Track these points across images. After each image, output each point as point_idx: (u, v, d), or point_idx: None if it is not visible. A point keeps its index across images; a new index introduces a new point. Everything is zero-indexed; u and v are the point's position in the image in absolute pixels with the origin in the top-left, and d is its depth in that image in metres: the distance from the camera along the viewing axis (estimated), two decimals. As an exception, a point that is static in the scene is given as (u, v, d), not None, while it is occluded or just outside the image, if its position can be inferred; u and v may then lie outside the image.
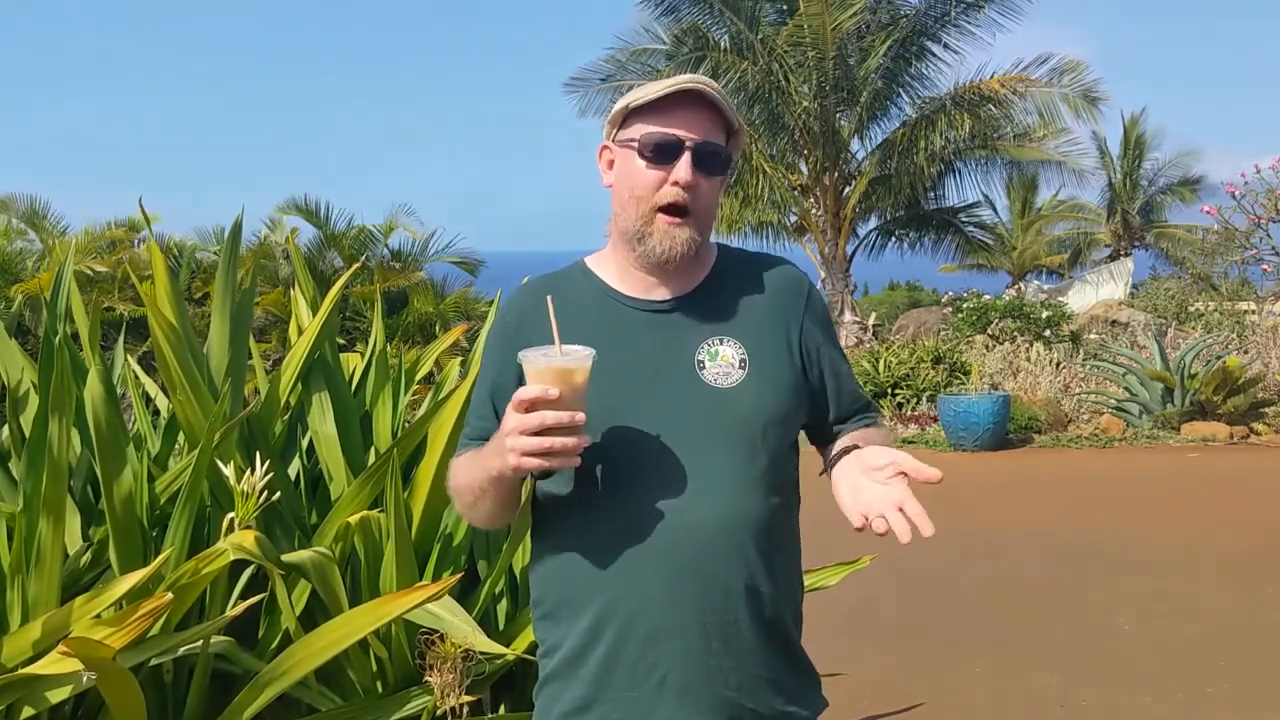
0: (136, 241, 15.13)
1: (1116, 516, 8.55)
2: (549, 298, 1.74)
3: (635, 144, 1.78)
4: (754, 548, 1.76)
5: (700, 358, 1.80)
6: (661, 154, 1.76)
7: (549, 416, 1.58)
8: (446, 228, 17.18)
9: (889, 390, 13.80)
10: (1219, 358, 12.42)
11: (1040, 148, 20.98)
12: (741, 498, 1.75)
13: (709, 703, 1.74)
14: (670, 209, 1.77)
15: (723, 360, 1.80)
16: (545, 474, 1.78)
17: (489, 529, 2.05)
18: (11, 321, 11.48)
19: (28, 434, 2.73)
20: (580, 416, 1.59)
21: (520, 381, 1.75)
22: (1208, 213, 18.02)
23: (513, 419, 1.61)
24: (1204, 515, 8.48)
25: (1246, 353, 13.38)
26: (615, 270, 1.87)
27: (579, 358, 1.64)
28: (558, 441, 1.59)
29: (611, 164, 1.85)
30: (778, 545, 1.81)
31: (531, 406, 1.60)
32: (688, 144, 1.75)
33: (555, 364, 1.63)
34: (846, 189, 20.08)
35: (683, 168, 1.75)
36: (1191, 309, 17.66)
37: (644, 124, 1.78)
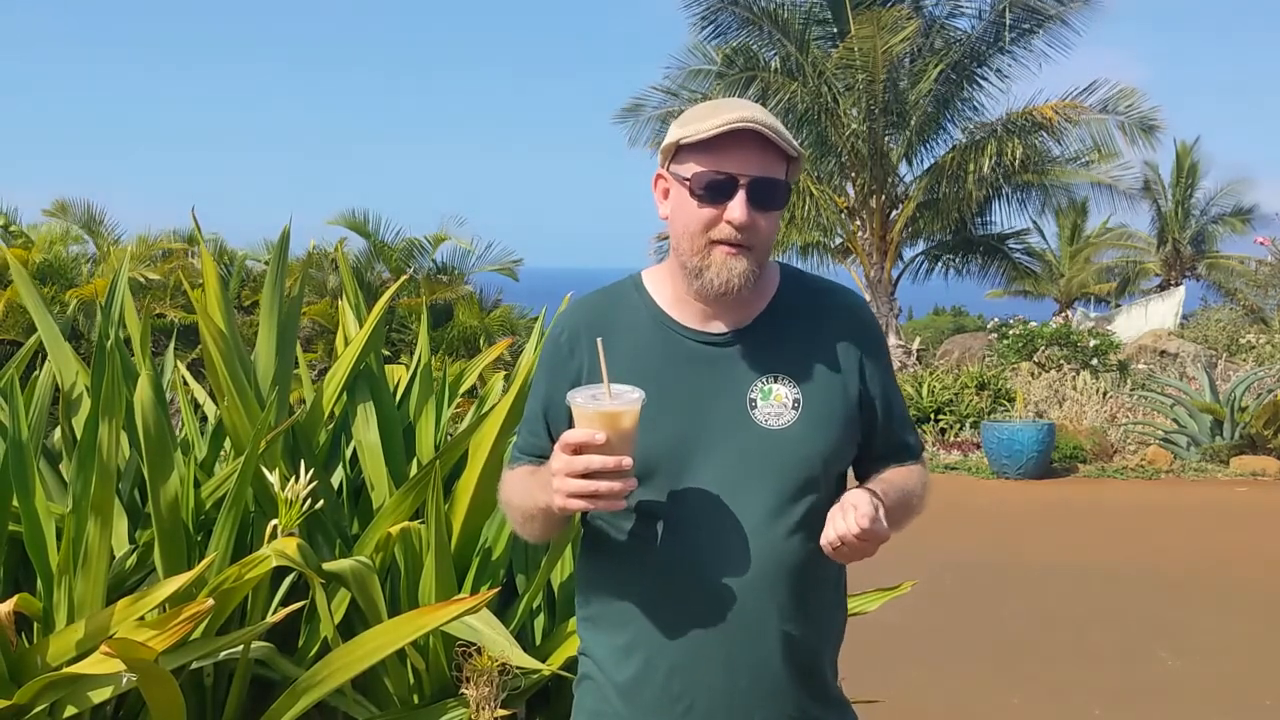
0: (189, 252, 15.34)
1: (1162, 549, 8.42)
2: (599, 340, 1.71)
3: (688, 182, 1.73)
4: (788, 591, 1.74)
5: (752, 396, 1.77)
6: (715, 193, 1.71)
7: (594, 461, 1.58)
8: (493, 240, 17.20)
9: (932, 416, 13.69)
10: (1271, 391, 12.20)
11: (1091, 172, 20.76)
12: (779, 541, 1.72)
13: None
14: (727, 245, 1.72)
15: (775, 399, 1.76)
16: None
17: (537, 543, 2.07)
18: (66, 325, 11.67)
19: (79, 436, 2.78)
20: (626, 461, 1.58)
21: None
22: (1261, 244, 17.75)
23: (559, 460, 1.61)
24: (1252, 551, 8.33)
25: (1299, 386, 13.14)
26: (671, 294, 1.83)
27: (627, 401, 1.62)
28: (603, 485, 1.58)
29: (667, 193, 1.80)
30: (816, 586, 1.79)
31: (578, 449, 1.59)
32: (742, 182, 1.70)
33: (603, 408, 1.61)
34: (893, 212, 19.97)
35: (737, 206, 1.70)
36: (1242, 341, 17.37)
37: (696, 161, 1.72)
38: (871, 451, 1.88)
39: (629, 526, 1.77)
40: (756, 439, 1.75)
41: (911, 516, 1.88)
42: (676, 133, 1.75)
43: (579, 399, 1.64)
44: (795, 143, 1.75)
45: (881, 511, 1.65)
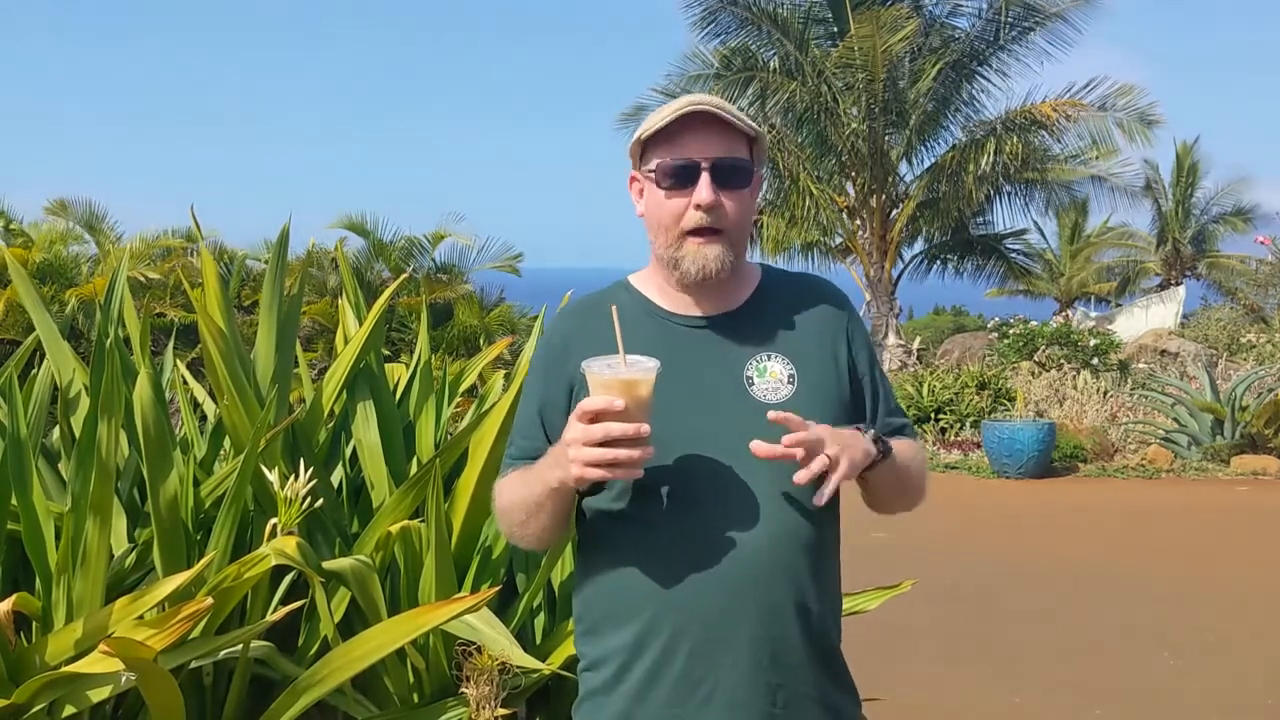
0: (189, 251, 15.31)
1: (1163, 549, 8.41)
2: (613, 306, 1.75)
3: (654, 174, 1.79)
4: (803, 565, 1.75)
5: (749, 373, 1.80)
6: (679, 180, 1.77)
7: (614, 428, 1.58)
8: (493, 236, 17.13)
9: (932, 415, 13.69)
10: (1271, 390, 12.20)
11: (1091, 170, 20.79)
12: (791, 516, 1.74)
13: (756, 719, 1.73)
14: (697, 231, 1.78)
15: (771, 376, 1.80)
16: (592, 490, 1.78)
17: (536, 549, 2.04)
18: (65, 324, 11.67)
19: (77, 435, 2.77)
20: (645, 428, 1.60)
21: (568, 400, 1.77)
22: (1261, 243, 17.76)
23: (576, 429, 1.61)
24: (1253, 551, 8.33)
25: (1299, 386, 13.13)
26: (658, 289, 1.88)
27: (644, 369, 1.64)
28: (622, 453, 1.59)
29: (641, 193, 1.86)
30: (824, 563, 1.80)
31: (596, 418, 1.60)
32: (703, 165, 1.76)
33: (621, 375, 1.62)
34: (893, 212, 19.99)
35: (702, 189, 1.75)
36: (1243, 340, 17.37)
37: (658, 153, 1.79)
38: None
39: (632, 511, 1.77)
40: (756, 414, 1.76)
41: (910, 491, 1.89)
42: (638, 131, 1.81)
43: (595, 366, 1.65)
44: (752, 122, 1.80)
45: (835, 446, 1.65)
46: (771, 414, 1.66)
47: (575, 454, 1.61)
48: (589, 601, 1.84)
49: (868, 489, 1.86)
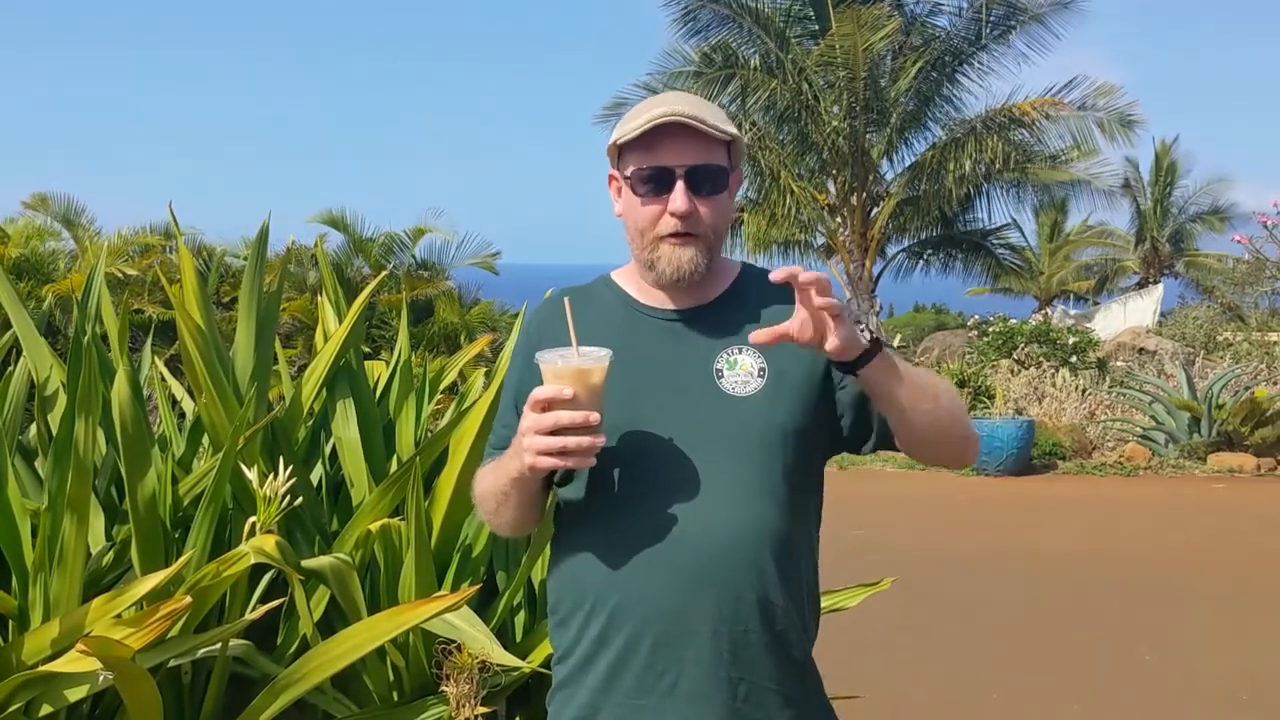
0: (167, 248, 15.21)
1: (1140, 545, 8.47)
2: (566, 300, 1.76)
3: (629, 180, 1.80)
4: (769, 559, 1.75)
5: (719, 366, 1.80)
6: (654, 186, 1.77)
7: (563, 416, 1.60)
8: (471, 233, 17.03)
9: (912, 412, 13.73)
10: (1247, 388, 12.30)
11: (1071, 170, 20.89)
12: (757, 509, 1.74)
13: (717, 712, 1.73)
14: (672, 235, 1.78)
15: (741, 369, 1.80)
16: (565, 480, 1.80)
17: (512, 536, 2.06)
18: (42, 321, 11.58)
19: (54, 433, 2.75)
20: (594, 416, 1.61)
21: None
22: (1239, 242, 17.92)
23: (528, 418, 1.63)
24: (1229, 547, 8.39)
25: (1276, 384, 13.25)
26: (637, 286, 1.89)
27: (594, 358, 1.66)
28: (572, 441, 1.60)
29: (620, 191, 1.86)
30: (793, 558, 1.79)
31: (547, 406, 1.62)
32: (678, 172, 1.75)
33: (571, 364, 1.65)
34: (874, 210, 20.02)
35: (677, 197, 1.75)
36: (1220, 338, 17.50)
37: (634, 159, 1.79)
38: (869, 423, 1.82)
39: (600, 502, 1.78)
40: (724, 406, 1.77)
41: (946, 422, 1.79)
42: (614, 135, 1.81)
43: (547, 357, 1.67)
44: (728, 126, 1.79)
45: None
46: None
47: (528, 443, 1.63)
48: (560, 593, 1.85)
49: (894, 412, 1.75)
